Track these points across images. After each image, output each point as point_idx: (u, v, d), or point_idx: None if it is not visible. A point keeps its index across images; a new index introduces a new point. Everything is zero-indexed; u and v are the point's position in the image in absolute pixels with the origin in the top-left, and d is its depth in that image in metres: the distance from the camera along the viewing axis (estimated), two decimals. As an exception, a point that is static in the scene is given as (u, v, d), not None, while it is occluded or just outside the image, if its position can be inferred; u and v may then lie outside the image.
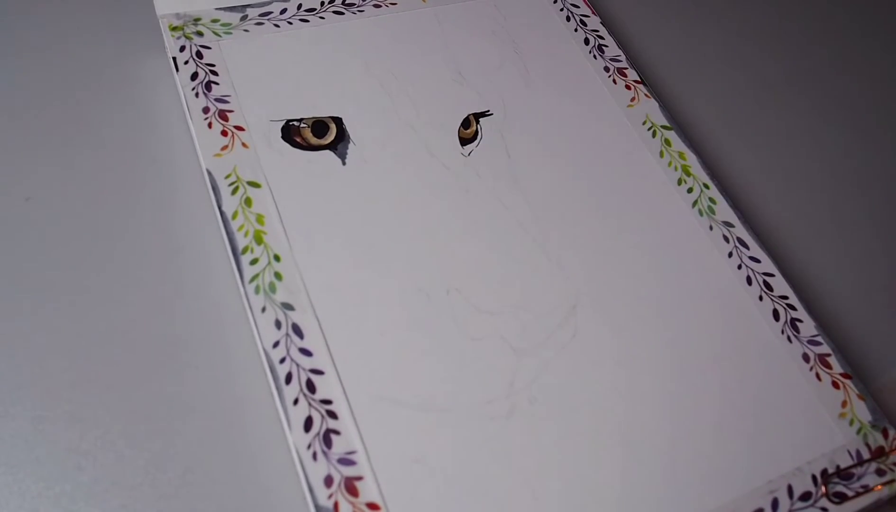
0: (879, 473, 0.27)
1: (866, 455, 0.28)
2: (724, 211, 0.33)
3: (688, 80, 0.41)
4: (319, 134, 0.31)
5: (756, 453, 0.27)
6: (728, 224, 0.33)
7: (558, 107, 0.35)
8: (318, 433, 0.24)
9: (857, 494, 0.26)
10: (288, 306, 0.26)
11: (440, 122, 0.33)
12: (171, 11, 0.33)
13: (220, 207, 0.28)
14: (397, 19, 0.36)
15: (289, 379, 0.25)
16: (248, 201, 0.29)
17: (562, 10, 0.39)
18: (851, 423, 0.28)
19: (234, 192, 0.29)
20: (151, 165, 0.31)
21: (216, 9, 0.33)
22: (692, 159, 0.34)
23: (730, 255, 0.32)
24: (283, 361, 0.25)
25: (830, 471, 0.27)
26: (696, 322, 0.30)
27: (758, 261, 0.32)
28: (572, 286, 0.29)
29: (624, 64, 0.38)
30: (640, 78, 0.37)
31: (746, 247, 0.32)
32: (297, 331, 0.26)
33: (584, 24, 0.39)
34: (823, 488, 0.26)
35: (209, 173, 0.29)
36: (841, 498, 0.26)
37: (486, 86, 0.35)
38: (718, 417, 0.27)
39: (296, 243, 0.28)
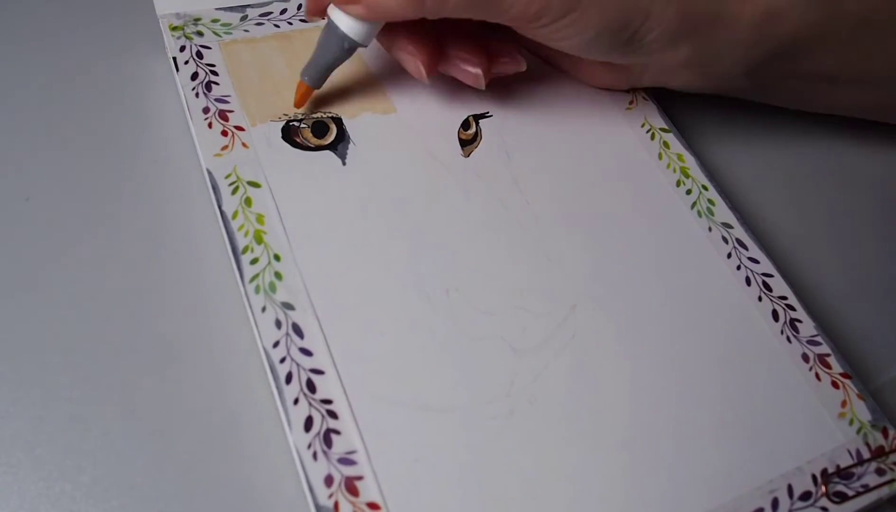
0: (879, 472, 0.27)
1: (866, 455, 0.28)
2: (723, 212, 0.33)
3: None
4: (319, 134, 0.31)
5: (756, 453, 0.27)
6: (727, 225, 0.33)
7: (558, 109, 0.35)
8: (318, 433, 0.24)
9: (858, 494, 0.27)
10: (288, 306, 0.26)
11: (440, 124, 0.33)
12: (171, 11, 0.33)
13: (220, 207, 0.28)
14: (397, 20, 0.36)
15: (289, 379, 0.25)
16: (248, 201, 0.29)
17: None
18: (851, 422, 0.28)
19: (235, 192, 0.29)
20: (151, 165, 0.31)
21: (216, 9, 0.33)
22: (691, 161, 0.35)
23: (729, 255, 0.32)
24: (283, 360, 0.25)
25: (830, 470, 0.27)
26: (696, 323, 0.30)
27: (757, 261, 0.32)
28: (572, 287, 0.30)
29: (623, 65, 0.38)
30: (639, 79, 0.37)
31: (745, 248, 0.32)
32: (298, 330, 0.26)
33: (584, 25, 0.39)
34: (823, 488, 0.26)
35: (209, 173, 0.29)
36: (841, 497, 0.26)
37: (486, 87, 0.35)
38: (718, 417, 0.27)
39: (296, 243, 0.28)
